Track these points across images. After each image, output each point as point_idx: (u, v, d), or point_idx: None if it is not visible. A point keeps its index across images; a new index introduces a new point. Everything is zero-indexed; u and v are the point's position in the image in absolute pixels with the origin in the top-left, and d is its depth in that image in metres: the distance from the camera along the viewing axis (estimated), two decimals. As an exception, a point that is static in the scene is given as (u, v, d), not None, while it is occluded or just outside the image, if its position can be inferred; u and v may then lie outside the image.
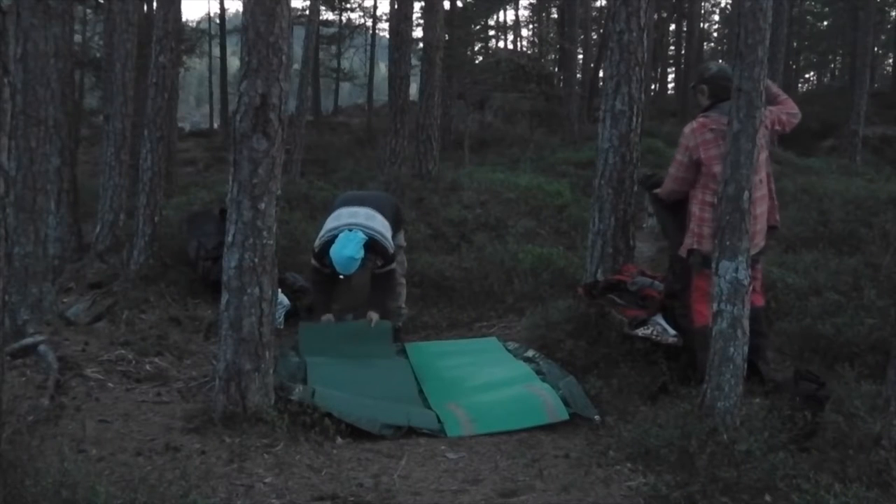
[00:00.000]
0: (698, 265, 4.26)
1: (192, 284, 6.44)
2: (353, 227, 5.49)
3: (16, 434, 3.18)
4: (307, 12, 16.32)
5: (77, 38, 18.52)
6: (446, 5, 15.87)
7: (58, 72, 6.51)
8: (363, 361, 5.12)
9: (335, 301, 5.86)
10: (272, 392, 4.09)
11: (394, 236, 5.79)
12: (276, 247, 4.12)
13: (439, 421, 4.25)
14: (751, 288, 4.12)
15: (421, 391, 4.78)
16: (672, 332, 4.54)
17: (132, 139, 7.82)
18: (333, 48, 29.41)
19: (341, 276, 5.51)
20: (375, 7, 63.04)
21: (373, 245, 5.46)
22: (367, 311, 5.59)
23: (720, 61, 4.99)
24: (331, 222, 5.61)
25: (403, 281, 6.02)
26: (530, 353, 5.11)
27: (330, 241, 5.44)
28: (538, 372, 4.75)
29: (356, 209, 5.67)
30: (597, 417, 4.20)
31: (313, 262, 5.63)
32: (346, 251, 5.33)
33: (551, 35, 31.24)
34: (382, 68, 31.09)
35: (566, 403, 4.26)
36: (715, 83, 4.39)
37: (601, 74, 19.41)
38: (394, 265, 5.71)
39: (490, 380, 4.79)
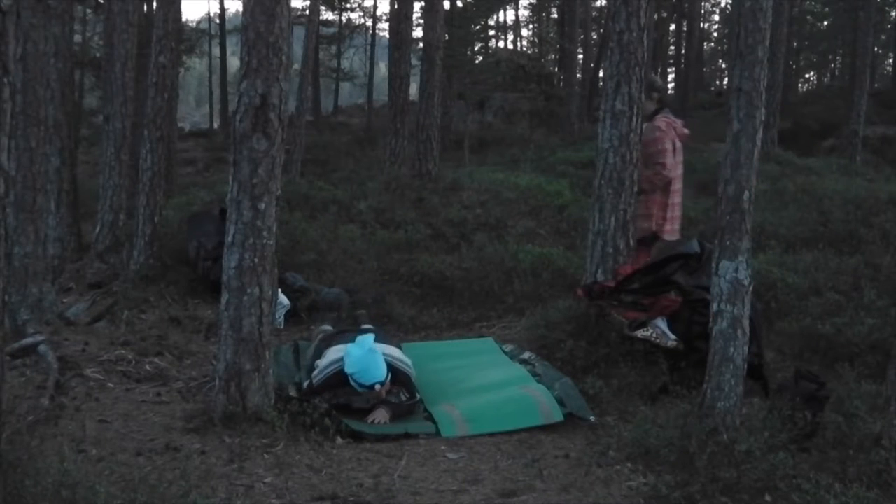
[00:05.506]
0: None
1: (192, 284, 6.45)
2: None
3: (16, 434, 3.17)
4: (307, 12, 16.31)
5: (77, 38, 18.50)
6: (446, 5, 15.86)
7: (58, 72, 6.52)
8: None
9: None
10: (272, 392, 4.09)
11: None
12: (276, 247, 4.12)
13: (434, 421, 4.25)
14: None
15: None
16: (672, 335, 4.54)
17: (132, 139, 7.83)
18: (333, 48, 29.42)
19: (366, 387, 4.27)
20: (375, 7, 63.01)
21: (393, 372, 4.39)
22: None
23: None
24: (324, 360, 4.49)
25: None
26: (526, 355, 5.10)
27: (332, 374, 4.36)
28: (534, 374, 4.74)
29: (353, 337, 4.68)
30: (592, 418, 4.19)
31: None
32: (361, 348, 4.40)
33: (551, 35, 31.24)
34: (382, 68, 31.09)
35: (561, 404, 4.25)
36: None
37: (601, 74, 19.39)
38: (419, 398, 4.51)
39: (486, 381, 4.78)
